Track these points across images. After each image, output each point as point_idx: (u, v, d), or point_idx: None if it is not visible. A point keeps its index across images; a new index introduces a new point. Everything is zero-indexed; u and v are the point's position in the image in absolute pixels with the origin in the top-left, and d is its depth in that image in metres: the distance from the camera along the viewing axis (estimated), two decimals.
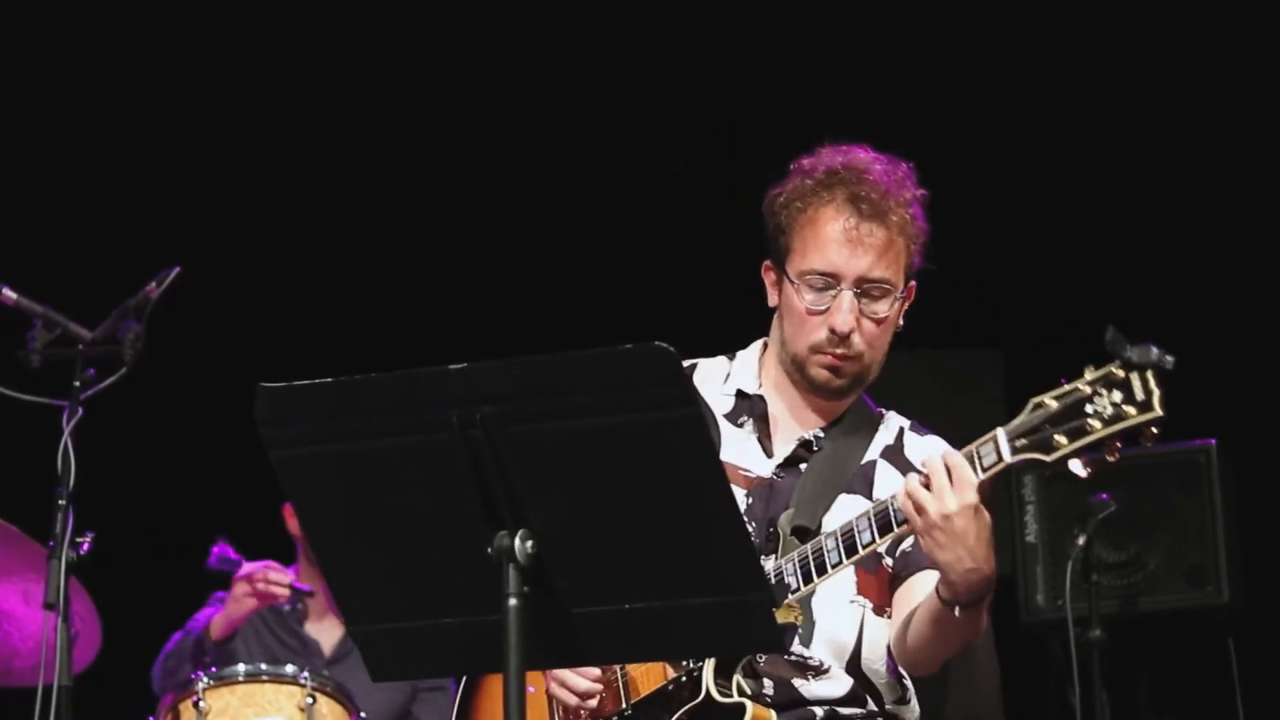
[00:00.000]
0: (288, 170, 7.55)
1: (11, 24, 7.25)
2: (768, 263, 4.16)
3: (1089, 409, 3.56)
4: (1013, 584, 6.34)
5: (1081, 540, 6.11)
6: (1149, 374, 3.53)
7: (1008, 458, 3.64)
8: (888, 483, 4.07)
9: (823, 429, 4.14)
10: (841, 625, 4.03)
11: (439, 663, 3.56)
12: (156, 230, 7.20)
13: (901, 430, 4.18)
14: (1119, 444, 3.55)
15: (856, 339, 4.04)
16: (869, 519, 3.78)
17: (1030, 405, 3.63)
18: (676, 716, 3.92)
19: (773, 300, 4.17)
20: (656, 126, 7.39)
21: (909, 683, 4.12)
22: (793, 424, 4.16)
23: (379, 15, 7.61)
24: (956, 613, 3.79)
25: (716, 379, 4.25)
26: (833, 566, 3.82)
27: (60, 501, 4.85)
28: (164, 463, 7.39)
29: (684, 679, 3.94)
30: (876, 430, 4.17)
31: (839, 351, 4.04)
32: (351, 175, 7.61)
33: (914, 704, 4.12)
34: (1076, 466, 3.59)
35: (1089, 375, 3.58)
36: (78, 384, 4.98)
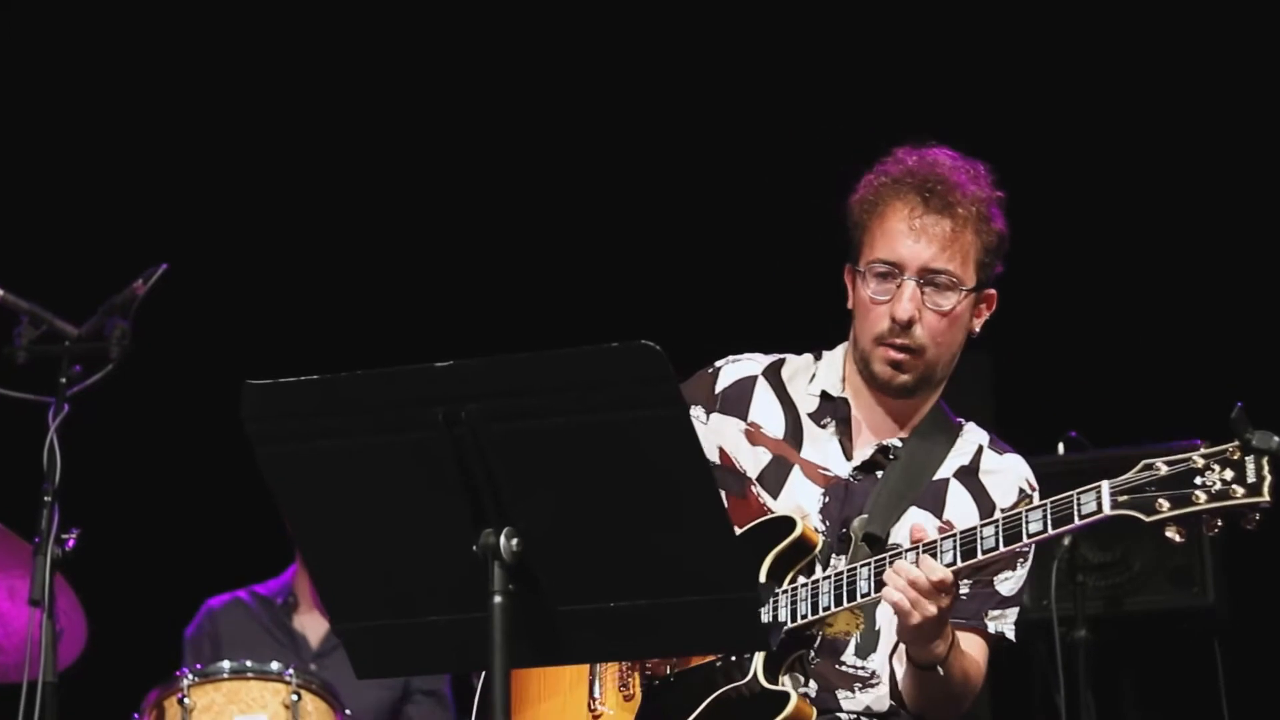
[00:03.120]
0: (274, 167, 7.53)
1: None
2: (848, 265, 4.15)
3: (1198, 480, 3.60)
4: None
5: (1067, 540, 6.11)
6: (1265, 460, 3.57)
7: (1108, 510, 3.67)
8: (958, 504, 4.06)
9: (901, 438, 4.11)
10: None
11: (424, 660, 3.55)
12: (143, 227, 7.19)
13: (980, 449, 4.15)
14: (1219, 521, 3.60)
15: (919, 331, 4.01)
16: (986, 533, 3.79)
17: (1140, 465, 3.66)
18: (717, 694, 3.90)
19: (850, 302, 4.15)
20: (646, 122, 7.38)
21: None
22: (873, 428, 4.14)
23: (362, 10, 7.60)
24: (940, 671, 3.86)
25: (803, 377, 4.22)
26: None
27: (46, 498, 4.85)
28: (150, 459, 7.37)
29: (733, 658, 3.92)
30: (954, 443, 4.14)
31: (900, 342, 4.02)
32: (337, 172, 7.59)
33: None
34: (1172, 533, 3.62)
35: (1205, 449, 3.61)
36: (64, 380, 4.98)
